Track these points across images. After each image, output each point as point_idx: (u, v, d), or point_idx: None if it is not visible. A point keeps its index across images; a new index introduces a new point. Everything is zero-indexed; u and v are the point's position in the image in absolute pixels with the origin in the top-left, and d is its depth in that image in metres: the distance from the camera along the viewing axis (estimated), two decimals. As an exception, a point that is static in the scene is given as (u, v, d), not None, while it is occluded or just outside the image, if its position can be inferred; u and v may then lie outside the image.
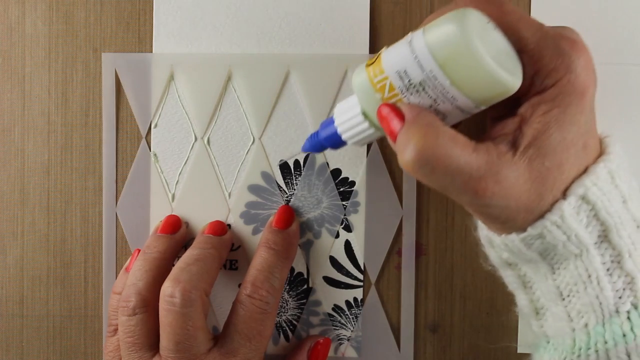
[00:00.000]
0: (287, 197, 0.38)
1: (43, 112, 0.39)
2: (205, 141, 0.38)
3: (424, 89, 0.27)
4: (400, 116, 0.28)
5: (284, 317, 0.39)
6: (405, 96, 0.28)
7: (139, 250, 0.37)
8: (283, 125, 0.38)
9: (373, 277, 0.38)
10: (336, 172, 0.38)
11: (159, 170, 0.39)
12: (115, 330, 0.36)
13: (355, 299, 0.38)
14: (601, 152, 0.30)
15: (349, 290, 0.38)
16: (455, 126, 0.30)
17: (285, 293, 0.39)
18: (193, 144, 0.38)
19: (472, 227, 0.35)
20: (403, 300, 0.38)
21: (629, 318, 0.28)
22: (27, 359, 0.40)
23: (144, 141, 0.39)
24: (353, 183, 0.38)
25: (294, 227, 0.37)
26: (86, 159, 0.39)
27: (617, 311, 0.28)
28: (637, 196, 0.30)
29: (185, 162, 0.39)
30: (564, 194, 0.28)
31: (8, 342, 0.40)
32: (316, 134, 0.34)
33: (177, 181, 0.39)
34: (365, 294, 0.38)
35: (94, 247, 0.39)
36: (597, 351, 0.28)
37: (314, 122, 0.38)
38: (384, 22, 0.38)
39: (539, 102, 0.28)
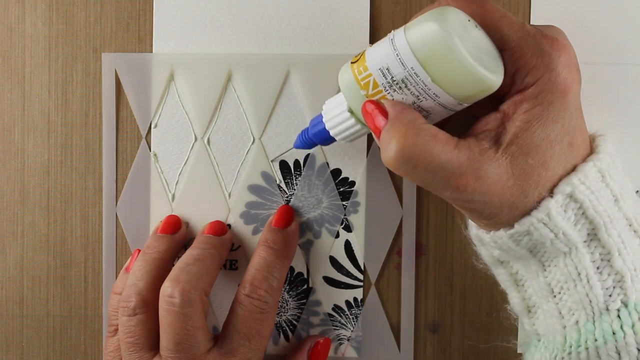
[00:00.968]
0: (287, 197, 0.38)
1: (43, 112, 0.39)
2: (205, 141, 0.38)
3: (406, 85, 0.28)
4: (384, 113, 0.28)
5: (284, 317, 0.39)
6: (389, 93, 0.28)
7: (139, 251, 0.37)
8: (283, 125, 0.38)
9: (373, 277, 0.38)
10: (336, 172, 0.38)
11: (159, 170, 0.39)
12: (116, 330, 0.36)
13: (355, 299, 0.38)
14: (592, 151, 0.30)
15: (349, 290, 0.38)
16: (445, 122, 0.30)
17: (285, 293, 0.39)
18: (193, 144, 0.38)
19: (463, 226, 0.35)
20: (403, 300, 0.38)
21: (618, 316, 0.28)
22: (27, 359, 0.40)
23: (144, 141, 0.39)
24: (353, 183, 0.38)
25: (293, 227, 0.37)
26: (86, 159, 0.39)
27: (607, 309, 0.29)
28: (629, 195, 0.30)
29: (185, 162, 0.39)
30: (551, 192, 0.28)
31: (8, 342, 0.40)
32: (306, 130, 0.34)
33: (177, 181, 0.39)
34: (365, 294, 0.38)
35: (94, 247, 0.39)
36: (587, 349, 0.29)
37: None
38: (384, 22, 0.38)
39: (521, 100, 0.28)
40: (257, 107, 0.38)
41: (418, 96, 0.28)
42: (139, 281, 0.34)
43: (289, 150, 0.37)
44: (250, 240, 0.39)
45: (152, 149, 0.39)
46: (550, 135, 0.28)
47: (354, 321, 0.38)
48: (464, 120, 0.31)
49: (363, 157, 0.38)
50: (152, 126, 0.39)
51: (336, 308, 0.39)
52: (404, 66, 0.27)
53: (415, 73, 0.27)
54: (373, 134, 0.29)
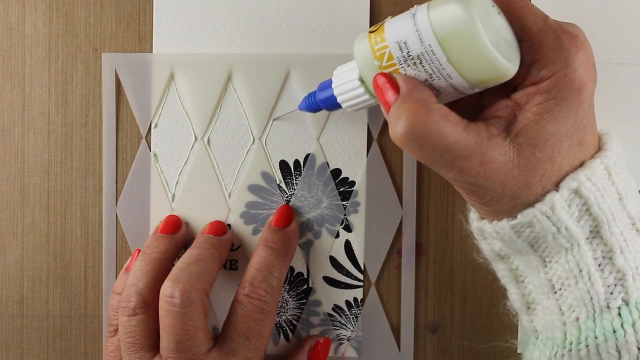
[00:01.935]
0: (287, 197, 0.38)
1: (43, 112, 0.39)
2: (205, 141, 0.38)
3: (421, 62, 0.28)
4: (396, 88, 0.28)
5: (284, 317, 0.39)
6: (403, 67, 0.28)
7: (139, 251, 0.37)
8: (283, 125, 0.38)
9: (373, 277, 0.38)
10: (336, 172, 0.38)
11: (159, 170, 0.39)
12: (116, 330, 0.36)
13: (355, 299, 0.38)
14: (599, 149, 0.30)
15: (349, 290, 0.38)
16: (454, 107, 0.30)
17: (285, 293, 0.39)
18: (193, 144, 0.38)
19: (464, 220, 0.35)
20: (403, 300, 0.38)
21: (619, 314, 0.28)
22: (27, 359, 0.40)
23: (144, 141, 0.39)
24: (353, 183, 0.38)
25: (293, 227, 0.37)
26: (86, 159, 0.39)
27: (608, 306, 0.29)
28: (633, 194, 0.30)
29: (185, 162, 0.39)
30: (557, 186, 0.28)
31: (8, 342, 0.40)
32: (313, 94, 0.34)
33: (177, 181, 0.39)
34: (365, 294, 0.38)
35: (94, 247, 0.39)
36: (587, 346, 0.29)
37: (314, 122, 0.38)
38: (384, 22, 0.38)
39: (535, 92, 0.28)
40: (257, 107, 0.38)
41: (431, 74, 0.28)
42: (139, 281, 0.34)
43: (292, 112, 0.37)
44: (250, 240, 0.39)
45: (152, 149, 0.39)
46: (561, 131, 0.28)
47: (354, 321, 0.38)
48: (471, 108, 0.31)
49: (363, 157, 0.38)
50: (152, 126, 0.39)
51: (336, 308, 0.39)
52: (421, 42, 0.27)
53: (432, 51, 0.27)
54: (382, 107, 0.29)
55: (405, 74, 0.28)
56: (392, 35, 0.28)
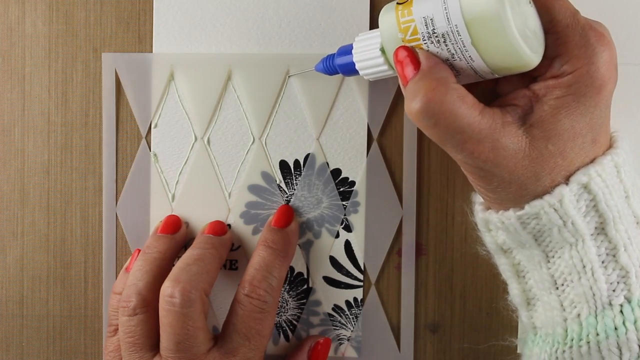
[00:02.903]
0: (287, 197, 0.38)
1: (43, 112, 0.39)
2: (205, 141, 0.38)
3: (444, 41, 0.28)
4: (416, 63, 0.28)
5: (284, 317, 0.39)
6: (426, 43, 0.28)
7: (139, 251, 0.37)
8: (283, 125, 0.38)
9: (373, 277, 0.38)
10: (336, 172, 0.38)
11: (159, 170, 0.39)
12: (116, 330, 0.36)
13: (355, 299, 0.38)
14: (610, 146, 0.30)
15: (349, 290, 0.38)
16: (470, 86, 0.30)
17: (285, 293, 0.39)
18: (193, 144, 0.38)
19: (469, 212, 0.35)
20: (403, 300, 0.38)
21: (621, 311, 0.28)
22: (27, 359, 0.40)
23: (144, 141, 0.39)
24: (353, 183, 0.38)
25: (292, 227, 0.37)
26: (86, 159, 0.39)
27: (610, 304, 0.29)
28: (639, 192, 0.30)
29: (185, 162, 0.39)
30: (567, 180, 0.28)
31: (8, 342, 0.40)
32: (331, 57, 0.34)
33: (177, 181, 0.39)
34: (365, 294, 0.38)
35: (94, 247, 0.39)
36: (588, 342, 0.29)
37: (314, 122, 0.38)
38: (384, 22, 0.38)
39: (554, 86, 0.28)
40: (257, 107, 0.38)
41: (453, 54, 0.28)
42: (139, 281, 0.34)
43: (309, 70, 0.37)
44: (250, 240, 0.39)
45: (152, 149, 0.39)
46: (575, 127, 0.28)
47: (354, 321, 0.38)
48: (487, 93, 0.31)
49: (363, 157, 0.38)
50: (152, 126, 0.39)
51: (336, 308, 0.39)
52: (448, 21, 0.27)
53: (457, 31, 0.27)
54: (400, 81, 0.29)
55: (428, 51, 0.28)
56: (419, 10, 0.28)
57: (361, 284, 0.38)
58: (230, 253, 0.39)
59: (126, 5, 0.39)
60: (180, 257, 0.35)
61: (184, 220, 0.39)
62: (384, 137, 0.38)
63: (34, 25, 0.39)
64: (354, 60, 0.32)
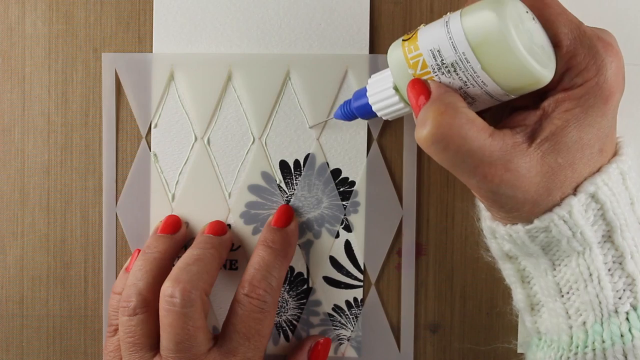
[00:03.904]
0: (287, 197, 0.38)
1: (43, 112, 0.39)
2: (205, 141, 0.38)
3: (455, 70, 0.28)
4: (427, 92, 0.28)
5: (284, 317, 0.39)
6: (437, 75, 0.28)
7: (139, 251, 0.37)
8: (283, 125, 0.38)
9: (373, 277, 0.38)
10: (336, 172, 0.38)
11: (159, 170, 0.39)
12: (116, 330, 0.36)
13: (355, 299, 0.38)
14: (615, 153, 0.30)
15: (349, 290, 0.38)
16: (484, 111, 0.30)
17: (285, 293, 0.39)
18: (193, 144, 0.38)
19: (475, 217, 0.35)
20: (403, 300, 0.38)
21: (627, 319, 0.28)
22: (27, 359, 0.40)
23: (144, 141, 0.39)
24: (353, 183, 0.38)
25: (292, 226, 0.37)
26: (86, 159, 0.39)
27: (616, 311, 0.29)
28: None
29: (185, 162, 0.39)
30: (575, 191, 0.28)
31: (8, 342, 0.40)
32: (349, 102, 0.34)
33: (177, 181, 0.39)
34: (365, 294, 0.38)
35: (94, 247, 0.39)
36: (594, 350, 0.29)
37: (314, 122, 0.38)
38: (384, 22, 0.38)
39: (563, 99, 0.28)
40: (257, 107, 0.38)
41: (466, 82, 0.28)
42: (139, 281, 0.34)
43: (329, 119, 0.37)
44: (250, 240, 0.39)
45: (152, 149, 0.39)
46: (584, 139, 0.28)
47: (354, 321, 0.38)
48: (501, 108, 0.31)
49: (363, 157, 0.38)
50: (152, 126, 0.39)
51: (336, 308, 0.39)
52: (455, 50, 0.27)
53: (466, 58, 0.27)
54: (413, 113, 0.29)
55: (440, 82, 0.28)
56: (425, 43, 0.28)
57: (361, 284, 0.38)
58: (230, 253, 0.39)
59: (126, 5, 0.39)
60: (180, 257, 0.35)
61: (184, 220, 0.39)
62: (384, 137, 0.38)
63: (34, 25, 0.39)
64: (370, 102, 0.32)
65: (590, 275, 0.29)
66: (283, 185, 0.38)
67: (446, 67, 0.28)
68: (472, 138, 0.27)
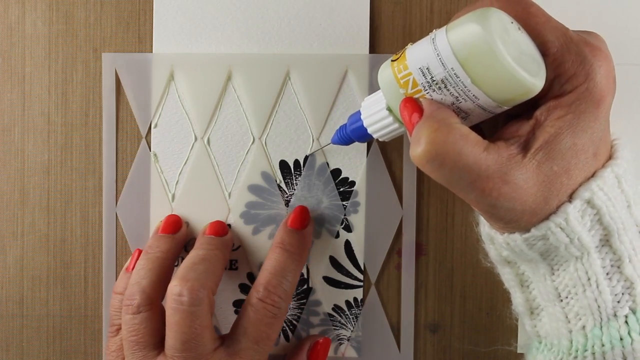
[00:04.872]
0: (287, 197, 0.38)
1: (43, 112, 0.39)
2: (205, 141, 0.38)
3: (445, 86, 0.28)
4: (420, 110, 0.28)
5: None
6: (428, 92, 0.28)
7: (140, 251, 0.37)
8: (283, 125, 0.38)
9: (373, 277, 0.38)
10: (336, 172, 0.38)
11: (159, 170, 0.39)
12: (118, 330, 0.36)
13: (355, 299, 0.38)
14: (610, 156, 0.30)
15: (349, 290, 0.38)
16: (478, 124, 0.30)
17: (286, 293, 0.39)
18: (193, 144, 0.38)
19: (474, 222, 0.35)
20: (403, 300, 0.38)
21: (626, 322, 0.28)
22: (27, 359, 0.40)
23: (144, 141, 0.39)
24: (353, 183, 0.38)
25: (309, 229, 0.37)
26: (86, 159, 0.39)
27: (615, 315, 0.29)
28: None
29: (185, 162, 0.39)
30: (570, 197, 0.28)
31: (8, 342, 0.40)
32: (344, 127, 0.34)
33: (177, 181, 0.39)
34: (365, 294, 0.38)
35: (94, 247, 0.39)
36: (593, 353, 0.29)
37: (314, 122, 0.38)
38: (384, 22, 0.38)
39: (555, 107, 0.28)
40: (257, 107, 0.38)
41: (457, 97, 0.28)
42: (143, 279, 0.34)
43: (327, 145, 0.37)
44: (250, 240, 0.39)
45: (152, 149, 0.39)
46: (578, 144, 0.28)
47: (354, 321, 0.39)
48: (496, 118, 0.31)
49: (363, 157, 0.38)
50: (152, 126, 0.39)
51: (336, 308, 0.39)
52: (444, 66, 0.27)
53: (455, 74, 0.27)
54: (406, 131, 0.29)
55: (432, 99, 0.28)
56: (414, 62, 0.28)
57: (361, 284, 0.38)
58: (230, 253, 0.39)
59: (126, 5, 0.39)
60: (183, 258, 0.35)
61: (184, 220, 0.39)
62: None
63: (34, 25, 0.39)
64: (365, 124, 0.32)
65: (589, 279, 0.29)
66: (283, 185, 0.38)
67: (436, 84, 0.28)
68: (467, 153, 0.27)
